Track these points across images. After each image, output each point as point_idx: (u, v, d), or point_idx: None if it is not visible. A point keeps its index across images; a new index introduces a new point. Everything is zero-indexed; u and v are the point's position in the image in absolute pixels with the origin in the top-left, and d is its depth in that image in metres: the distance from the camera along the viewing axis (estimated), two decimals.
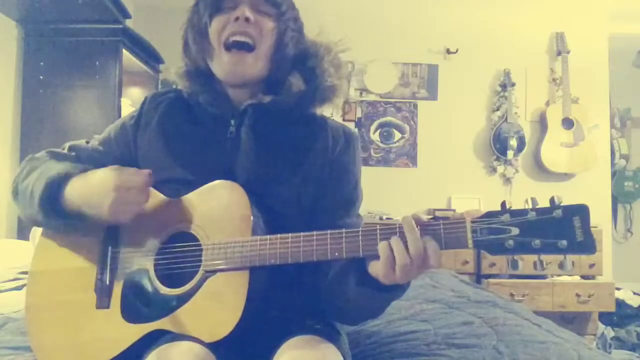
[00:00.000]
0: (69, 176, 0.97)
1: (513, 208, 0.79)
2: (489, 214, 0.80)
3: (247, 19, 0.99)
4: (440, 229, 0.80)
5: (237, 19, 0.99)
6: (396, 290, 0.87)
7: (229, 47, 1.00)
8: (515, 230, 0.78)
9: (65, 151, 1.12)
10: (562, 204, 0.77)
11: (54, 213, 0.96)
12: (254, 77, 1.03)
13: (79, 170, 0.98)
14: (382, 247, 0.81)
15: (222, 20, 1.01)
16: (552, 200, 0.78)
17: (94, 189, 0.93)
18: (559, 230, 0.76)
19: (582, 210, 0.77)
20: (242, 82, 1.04)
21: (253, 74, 1.02)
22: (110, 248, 1.01)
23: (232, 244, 0.90)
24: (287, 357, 0.85)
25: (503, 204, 0.80)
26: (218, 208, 0.95)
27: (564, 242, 0.76)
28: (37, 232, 1.93)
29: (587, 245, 0.76)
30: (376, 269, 0.83)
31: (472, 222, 0.79)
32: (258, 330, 0.93)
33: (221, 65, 1.02)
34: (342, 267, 0.93)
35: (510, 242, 0.78)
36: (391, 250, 0.80)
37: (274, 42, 1.02)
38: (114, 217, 0.93)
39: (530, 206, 0.79)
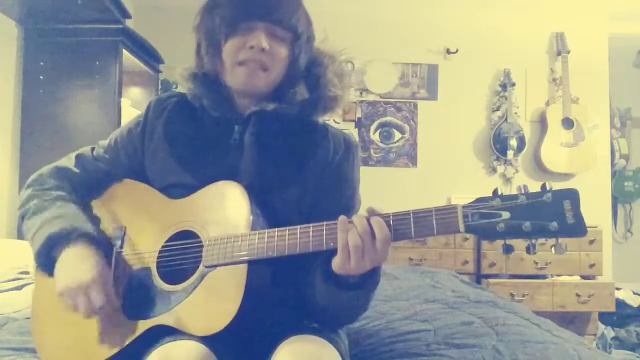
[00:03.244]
0: (69, 237, 0.98)
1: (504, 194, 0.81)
2: (480, 200, 0.81)
3: (262, 49, 0.98)
4: (432, 215, 0.82)
5: (252, 46, 0.99)
6: (355, 288, 0.89)
7: (243, 63, 1.01)
8: (506, 214, 0.79)
9: (73, 166, 1.13)
10: (552, 189, 0.79)
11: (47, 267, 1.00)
12: (266, 91, 1.04)
13: (79, 232, 0.99)
14: (339, 229, 0.84)
15: (237, 44, 1.00)
16: (543, 186, 0.80)
17: (69, 266, 0.96)
18: (550, 213, 0.78)
19: (572, 194, 0.78)
20: (254, 93, 1.04)
21: (265, 88, 1.03)
22: (115, 247, 1.02)
23: (232, 239, 0.91)
24: (284, 356, 0.85)
25: (495, 190, 0.82)
26: (218, 206, 0.97)
27: (555, 224, 0.77)
28: None
29: (578, 227, 0.77)
30: (334, 261, 0.86)
31: (464, 207, 0.81)
32: (256, 330, 0.94)
33: (234, 77, 1.03)
34: (315, 265, 0.95)
35: (502, 225, 0.79)
36: (346, 235, 0.84)
37: (286, 65, 1.03)
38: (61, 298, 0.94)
39: (522, 192, 0.80)
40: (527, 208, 0.79)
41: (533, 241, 0.80)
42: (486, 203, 0.80)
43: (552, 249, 0.80)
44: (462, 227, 0.80)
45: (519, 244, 0.81)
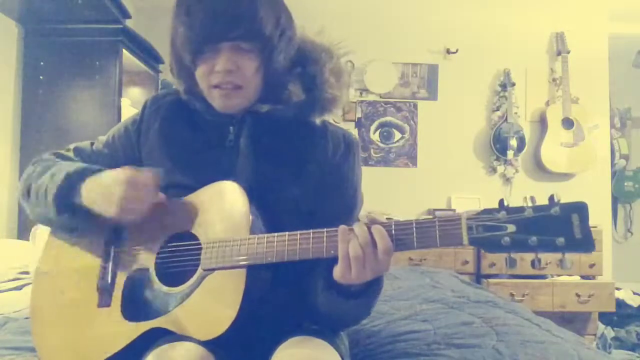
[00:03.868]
0: (86, 173, 0.99)
1: (511, 205, 0.78)
2: (486, 211, 0.79)
3: (229, 71, 0.96)
4: (435, 226, 0.80)
5: (219, 71, 0.96)
6: (358, 296, 0.88)
7: (217, 87, 0.99)
8: (511, 228, 0.77)
9: (71, 153, 1.13)
10: (560, 202, 0.76)
11: (66, 209, 0.98)
12: (247, 107, 1.02)
13: (94, 169, 1.00)
14: (340, 240, 0.83)
15: (205, 69, 0.98)
16: (551, 198, 0.77)
17: (105, 185, 0.95)
18: (557, 227, 0.75)
19: (580, 208, 0.75)
20: (235, 112, 1.03)
21: (244, 105, 1.02)
22: (113, 248, 1.02)
23: (231, 243, 0.90)
24: (284, 357, 0.85)
25: (501, 202, 0.79)
26: (217, 208, 0.96)
27: (562, 240, 0.75)
28: (37, 232, 1.94)
29: (586, 243, 0.74)
30: (335, 270, 0.85)
31: (468, 219, 0.79)
32: (256, 331, 0.94)
33: (213, 100, 1.01)
34: (316, 272, 0.94)
35: (507, 239, 0.77)
36: (347, 245, 0.82)
37: (262, 75, 1.00)
38: (120, 213, 0.93)
39: (529, 204, 0.77)
40: (533, 222, 0.76)
41: (538, 255, 0.78)
42: (491, 215, 0.78)
43: (558, 264, 0.77)
44: (466, 240, 0.78)
45: (525, 257, 0.79)
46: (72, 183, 0.97)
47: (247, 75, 0.98)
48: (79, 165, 1.02)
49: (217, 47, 0.96)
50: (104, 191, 0.94)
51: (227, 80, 0.97)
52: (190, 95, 1.06)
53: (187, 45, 0.97)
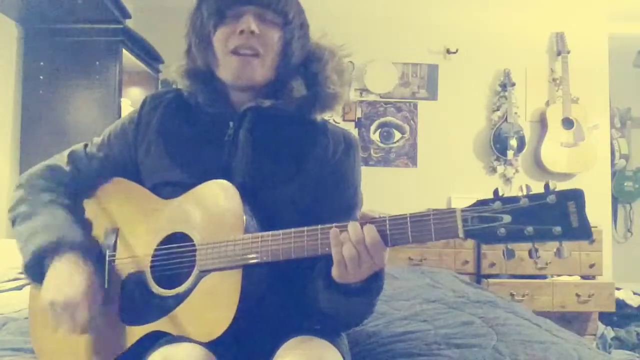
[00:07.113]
0: (58, 249, 0.97)
1: (505, 195, 0.76)
2: (480, 202, 0.77)
3: (252, 32, 0.97)
4: (430, 219, 0.79)
5: (242, 31, 0.97)
6: (359, 294, 0.88)
7: (235, 52, 0.99)
8: (507, 218, 0.75)
9: (65, 164, 1.10)
10: (556, 190, 0.74)
11: (37, 276, 1.00)
12: (261, 81, 1.01)
13: (69, 240, 0.98)
14: (333, 244, 0.82)
15: (227, 32, 0.98)
16: (546, 186, 0.75)
17: (55, 280, 0.94)
18: (553, 216, 0.73)
19: (577, 195, 0.73)
20: (248, 85, 1.02)
21: (259, 78, 1.01)
22: (107, 252, 1.01)
23: (225, 243, 0.90)
24: (286, 357, 0.85)
25: (495, 192, 0.77)
26: (211, 208, 0.95)
27: (559, 229, 0.73)
28: None
29: (583, 231, 0.72)
30: (333, 270, 0.84)
31: (463, 211, 0.77)
32: (257, 331, 0.93)
33: (228, 69, 1.00)
34: (315, 271, 0.94)
35: (502, 230, 0.75)
36: (341, 248, 0.82)
37: (279, 51, 1.01)
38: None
39: (524, 193, 0.75)
40: (529, 211, 0.74)
41: (535, 245, 0.76)
42: (486, 206, 0.76)
43: (555, 253, 0.75)
44: (461, 233, 0.76)
45: (521, 246, 0.77)
46: (42, 259, 0.98)
47: (268, 42, 0.99)
48: (53, 235, 0.98)
49: (241, 11, 0.98)
50: (51, 280, 0.94)
51: (248, 43, 0.97)
52: (195, 82, 1.05)
53: (213, 7, 0.99)
